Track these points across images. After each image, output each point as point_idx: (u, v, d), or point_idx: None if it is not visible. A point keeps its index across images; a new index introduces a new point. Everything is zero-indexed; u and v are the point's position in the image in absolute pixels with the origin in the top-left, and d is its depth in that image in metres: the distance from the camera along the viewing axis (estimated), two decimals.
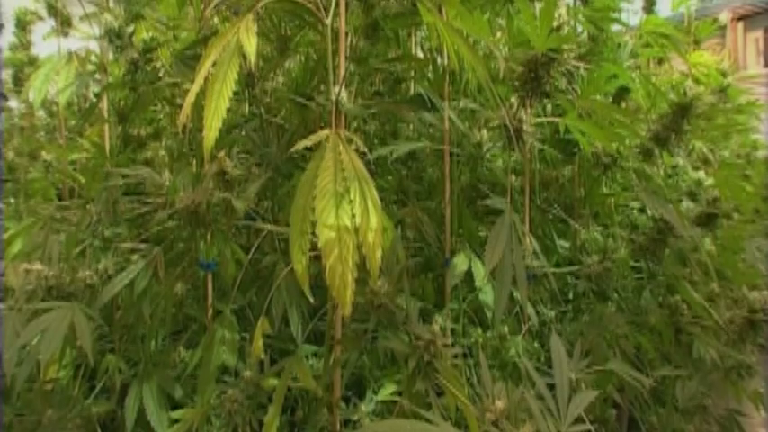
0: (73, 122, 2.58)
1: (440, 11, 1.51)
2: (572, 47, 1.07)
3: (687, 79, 2.87)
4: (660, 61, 3.27)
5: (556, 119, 1.20)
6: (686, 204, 2.02)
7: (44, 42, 2.64)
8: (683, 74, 3.11)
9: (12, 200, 2.40)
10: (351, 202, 0.82)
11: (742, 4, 11.88)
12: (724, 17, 11.68)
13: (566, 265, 1.84)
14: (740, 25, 12.04)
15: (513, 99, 1.08)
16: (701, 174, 2.32)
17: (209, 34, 1.46)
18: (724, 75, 3.20)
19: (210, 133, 0.91)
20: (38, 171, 2.17)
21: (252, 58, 0.90)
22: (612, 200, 2.15)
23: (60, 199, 2.42)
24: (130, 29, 1.53)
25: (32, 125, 2.69)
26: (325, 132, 0.90)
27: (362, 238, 0.81)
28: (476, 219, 1.74)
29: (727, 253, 1.81)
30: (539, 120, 1.15)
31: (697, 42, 3.47)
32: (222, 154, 1.07)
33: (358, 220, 0.81)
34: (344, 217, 0.81)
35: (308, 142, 0.87)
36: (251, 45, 0.89)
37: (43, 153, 2.16)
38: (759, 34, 12.06)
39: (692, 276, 1.68)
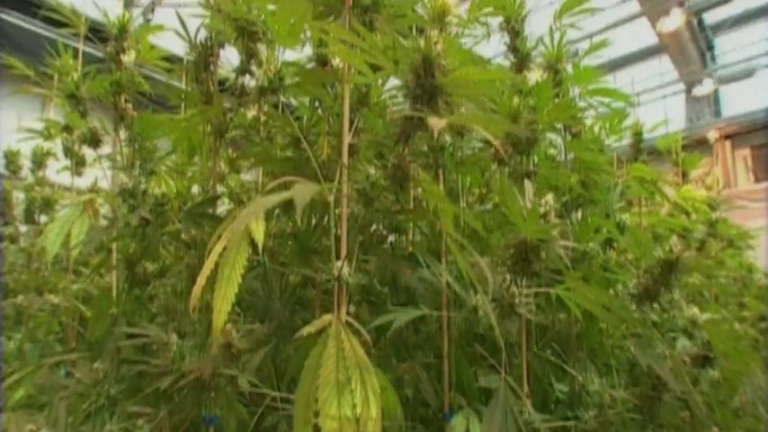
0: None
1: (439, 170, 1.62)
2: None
3: (677, 216, 2.95)
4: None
5: (548, 290, 1.26)
6: (682, 342, 2.04)
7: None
8: (673, 207, 3.20)
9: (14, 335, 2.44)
10: (352, 391, 0.86)
11: (728, 123, 12.31)
12: (712, 136, 12.11)
13: (565, 409, 1.85)
14: (728, 143, 12.43)
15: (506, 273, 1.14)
16: (696, 311, 2.35)
17: (217, 195, 1.55)
18: (713, 207, 3.31)
19: (220, 317, 0.96)
20: (44, 311, 2.22)
21: (260, 244, 0.97)
22: (609, 339, 2.18)
23: (64, 332, 2.46)
24: (143, 186, 1.62)
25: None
26: (328, 318, 0.95)
27: (363, 427, 0.85)
28: (473, 363, 1.77)
29: (723, 395, 1.82)
30: (531, 290, 1.20)
31: (685, 175, 3.59)
32: (229, 327, 1.12)
33: (359, 409, 0.85)
34: (346, 407, 0.85)
35: (311, 328, 0.92)
36: (259, 233, 0.96)
37: (51, 296, 2.21)
38: (746, 152, 12.42)
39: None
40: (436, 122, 0.73)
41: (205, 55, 1.60)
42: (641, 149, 3.14)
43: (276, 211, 1.85)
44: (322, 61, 1.59)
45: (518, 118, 1.49)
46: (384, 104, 1.66)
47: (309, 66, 1.63)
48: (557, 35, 2.13)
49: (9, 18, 9.36)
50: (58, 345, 2.47)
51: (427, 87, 0.90)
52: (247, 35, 1.35)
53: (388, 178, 1.03)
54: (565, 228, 1.15)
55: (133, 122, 1.97)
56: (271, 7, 1.42)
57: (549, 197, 1.11)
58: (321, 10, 1.25)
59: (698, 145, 11.83)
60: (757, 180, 12.10)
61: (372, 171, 1.17)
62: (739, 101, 12.50)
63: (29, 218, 2.88)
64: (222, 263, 0.99)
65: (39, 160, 2.83)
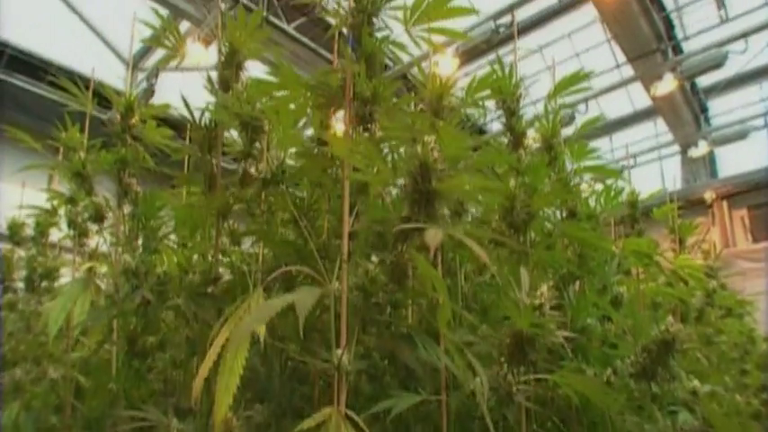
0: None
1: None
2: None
3: (674, 285, 2.96)
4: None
5: (546, 376, 1.27)
6: (683, 417, 2.04)
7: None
8: (670, 275, 3.21)
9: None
10: None
11: (724, 184, 12.42)
12: (708, 196, 12.19)
13: None
14: (725, 204, 12.52)
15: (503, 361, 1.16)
16: (696, 383, 2.35)
17: (219, 276, 1.57)
18: (711, 275, 3.34)
19: (221, 409, 0.97)
20: (42, 386, 2.22)
21: (263, 339, 0.99)
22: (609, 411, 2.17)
23: (60, 403, 2.44)
24: (145, 266, 1.64)
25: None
26: (328, 411, 0.96)
27: None
28: None
29: None
30: (528, 377, 1.22)
31: (682, 241, 3.62)
32: (230, 415, 1.13)
33: None
34: None
35: (311, 422, 0.93)
36: (262, 330, 0.98)
37: (50, 369, 2.21)
38: (744, 212, 12.49)
39: None
40: (432, 237, 0.76)
41: (209, 137, 1.65)
42: (637, 218, 3.18)
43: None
44: (323, 142, 1.63)
45: (514, 200, 1.53)
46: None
47: (310, 144, 1.68)
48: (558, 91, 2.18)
49: (15, 81, 9.55)
50: (54, 416, 2.45)
51: (425, 193, 0.94)
52: (251, 129, 1.40)
53: (386, 274, 1.06)
54: (562, 319, 1.17)
55: (137, 197, 2.02)
56: (276, 94, 1.48)
57: (544, 288, 1.13)
58: (322, 101, 1.30)
59: (695, 205, 11.96)
60: (755, 240, 12.13)
61: (372, 261, 1.20)
62: (735, 161, 12.64)
63: (29, 285, 2.89)
64: (225, 357, 1.01)
65: (42, 230, 2.86)
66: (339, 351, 1.09)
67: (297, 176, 1.54)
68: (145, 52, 11.73)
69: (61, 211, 2.69)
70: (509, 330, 1.11)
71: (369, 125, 1.26)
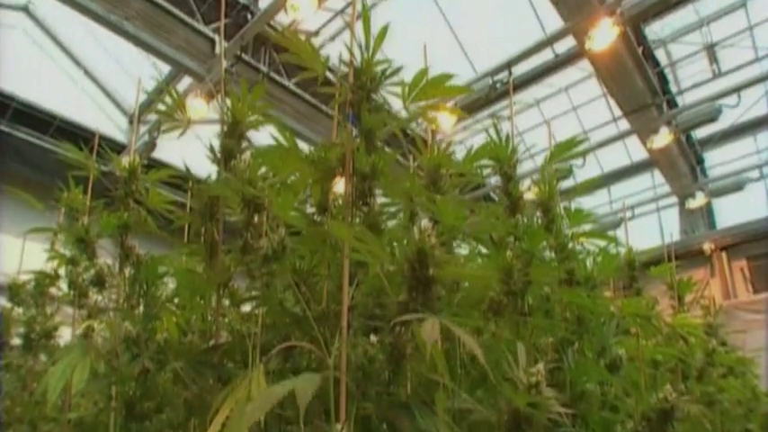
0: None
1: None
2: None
3: (674, 343, 2.96)
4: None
5: None
6: None
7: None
8: (670, 332, 3.20)
9: None
10: None
11: (722, 235, 12.46)
12: (707, 248, 12.20)
13: None
14: (724, 255, 12.53)
15: None
16: None
17: (219, 344, 1.58)
18: (710, 334, 3.33)
19: None
20: None
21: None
22: None
23: None
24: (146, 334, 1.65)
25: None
26: None
27: None
28: None
29: None
30: None
31: (680, 299, 3.62)
32: None
33: None
34: None
35: None
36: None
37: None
38: (743, 263, 12.49)
39: None
40: (429, 332, 0.78)
41: (210, 205, 1.68)
42: (635, 277, 3.19)
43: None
44: (323, 209, 1.66)
45: (511, 270, 1.55)
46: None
47: (310, 214, 1.71)
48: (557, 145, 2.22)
49: (20, 134, 9.67)
50: None
51: (422, 279, 0.96)
52: (253, 206, 1.43)
53: (385, 354, 1.07)
54: (560, 397, 1.17)
55: (138, 261, 2.03)
56: (278, 165, 1.51)
57: (540, 366, 1.14)
58: (322, 175, 1.33)
59: (694, 257, 11.97)
60: (756, 291, 12.10)
61: (372, 331, 1.21)
62: (733, 212, 12.72)
63: (28, 344, 2.88)
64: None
65: (42, 290, 2.87)
66: (339, 426, 1.09)
67: (297, 244, 1.56)
68: (148, 104, 11.91)
69: (62, 271, 2.71)
70: (506, 407, 1.12)
71: (368, 200, 1.29)
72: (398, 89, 1.40)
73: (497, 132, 1.88)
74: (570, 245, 2.18)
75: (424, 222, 1.04)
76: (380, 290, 1.38)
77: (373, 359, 1.09)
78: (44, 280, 2.90)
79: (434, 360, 1.05)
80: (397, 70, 1.37)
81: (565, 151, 2.10)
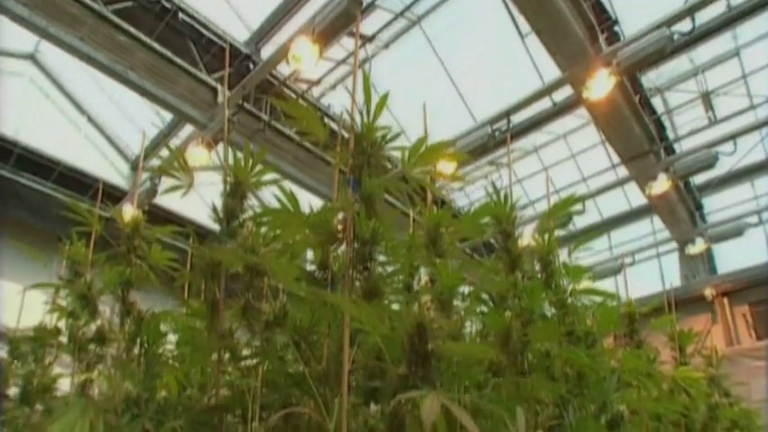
0: None
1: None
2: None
3: (677, 395, 2.94)
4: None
5: None
6: None
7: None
8: (672, 385, 3.18)
9: None
10: None
11: (723, 281, 12.42)
12: (709, 293, 12.15)
13: None
14: (726, 300, 12.47)
15: None
16: None
17: (220, 404, 1.58)
18: (713, 386, 3.32)
19: None
20: None
21: None
22: None
23: None
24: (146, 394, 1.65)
25: None
26: None
27: None
28: None
29: None
30: None
31: (682, 350, 3.60)
32: None
33: None
34: None
35: None
36: None
37: None
38: (746, 309, 12.42)
39: None
40: (428, 415, 0.79)
41: (211, 266, 1.69)
42: (636, 329, 3.19)
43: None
44: (324, 266, 1.68)
45: (511, 331, 1.56)
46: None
47: (311, 269, 1.73)
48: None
49: (22, 180, 9.73)
50: None
51: (422, 353, 0.97)
52: (255, 273, 1.45)
53: (385, 424, 1.07)
54: None
55: (140, 317, 2.04)
56: (280, 226, 1.53)
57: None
58: (323, 239, 1.35)
59: (696, 302, 11.91)
60: (759, 337, 12.01)
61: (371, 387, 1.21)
62: (733, 257, 12.70)
63: (25, 398, 2.86)
64: None
65: (41, 343, 2.86)
66: None
67: (298, 305, 1.57)
68: (150, 150, 12.02)
69: (62, 323, 2.70)
70: None
71: (368, 264, 1.31)
72: (399, 148, 1.44)
73: (496, 190, 1.91)
74: (570, 300, 2.19)
75: (424, 297, 1.05)
76: (380, 351, 1.39)
77: (373, 429, 1.09)
78: (44, 334, 2.89)
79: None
80: (397, 136, 1.40)
81: (563, 209, 2.13)
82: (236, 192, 1.72)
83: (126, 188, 11.75)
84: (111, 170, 12.49)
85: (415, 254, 1.44)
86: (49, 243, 2.54)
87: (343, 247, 1.38)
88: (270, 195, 1.82)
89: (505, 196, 1.98)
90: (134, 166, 12.70)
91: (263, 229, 1.72)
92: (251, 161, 1.72)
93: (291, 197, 1.59)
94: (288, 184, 1.60)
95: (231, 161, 1.79)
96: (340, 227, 1.34)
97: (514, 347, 1.63)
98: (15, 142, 9.81)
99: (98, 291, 2.09)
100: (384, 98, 1.36)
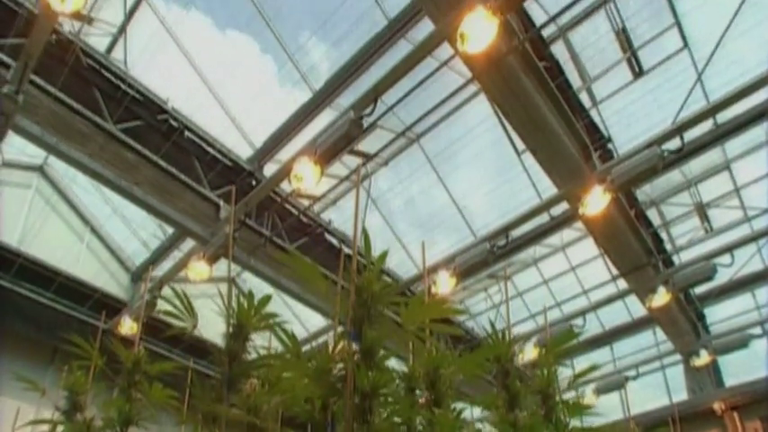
0: None
1: None
2: None
3: None
4: None
5: None
6: None
7: None
8: None
9: None
10: None
11: (731, 394, 12.13)
12: (718, 407, 11.86)
13: None
14: (736, 415, 12.13)
15: None
16: None
17: None
18: None
19: None
20: None
21: None
22: None
23: None
24: None
25: None
26: None
27: None
28: None
29: None
30: None
31: None
32: None
33: None
34: None
35: None
36: None
37: None
38: (757, 424, 12.07)
39: None
40: None
41: (212, 413, 1.70)
42: None
43: None
44: (325, 407, 1.68)
45: None
46: None
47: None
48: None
49: (21, 290, 9.73)
50: None
51: None
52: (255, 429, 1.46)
53: None
54: None
55: None
56: (282, 372, 1.55)
57: None
58: (323, 392, 1.36)
59: (705, 416, 11.58)
60: None
61: None
62: (740, 368, 12.47)
63: None
64: None
65: None
66: None
67: None
68: (151, 262, 12.10)
69: None
70: None
71: (368, 417, 1.32)
72: (398, 302, 1.48)
73: (495, 331, 1.94)
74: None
75: None
76: None
77: None
78: None
79: None
80: (397, 285, 1.45)
81: (562, 344, 2.15)
82: (239, 334, 1.75)
83: (125, 299, 11.73)
84: (111, 281, 12.52)
85: (414, 408, 1.45)
86: (45, 354, 2.53)
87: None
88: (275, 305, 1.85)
89: (503, 333, 2.01)
90: (134, 278, 12.73)
91: (264, 367, 1.74)
92: (254, 304, 1.75)
93: (293, 340, 1.62)
94: (287, 299, 1.63)
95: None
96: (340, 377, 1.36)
97: None
98: (18, 253, 9.88)
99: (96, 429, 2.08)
100: (384, 255, 1.42)
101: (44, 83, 6.92)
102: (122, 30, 8.84)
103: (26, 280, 9.81)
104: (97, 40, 8.74)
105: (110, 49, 8.98)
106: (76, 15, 7.26)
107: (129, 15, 8.78)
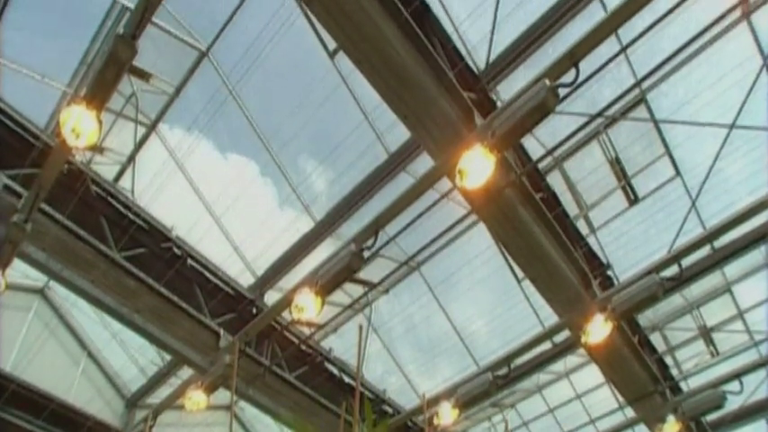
0: None
1: None
2: None
3: None
4: None
5: None
6: None
7: None
8: None
9: None
10: None
11: None
12: None
13: None
14: None
15: None
16: None
17: None
18: None
19: None
20: None
21: None
22: None
23: None
24: None
25: None
26: None
27: None
28: None
29: None
30: None
31: None
32: None
33: None
34: None
35: None
36: None
37: None
38: None
39: None
40: None
41: None
42: None
43: None
44: None
45: None
46: None
47: None
48: None
49: (12, 418, 9.50)
50: None
51: None
52: None
53: None
54: None
55: None
56: None
57: None
58: None
59: None
60: None
61: None
62: None
63: None
64: None
65: None
66: None
67: None
68: (147, 389, 11.87)
69: None
70: None
71: None
72: None
73: None
74: None
75: None
76: None
77: None
78: None
79: None
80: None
81: None
82: None
83: (119, 427, 11.40)
84: (105, 408, 12.23)
85: None
86: None
87: None
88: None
89: None
90: (128, 405, 12.43)
91: None
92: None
93: None
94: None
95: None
96: None
97: None
98: (12, 378, 9.70)
99: None
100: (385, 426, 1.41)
101: (52, 210, 7.04)
102: (131, 159, 9.12)
103: (17, 406, 9.59)
104: (106, 168, 9.01)
105: (118, 177, 9.24)
106: (89, 147, 7.50)
107: (139, 146, 9.08)
